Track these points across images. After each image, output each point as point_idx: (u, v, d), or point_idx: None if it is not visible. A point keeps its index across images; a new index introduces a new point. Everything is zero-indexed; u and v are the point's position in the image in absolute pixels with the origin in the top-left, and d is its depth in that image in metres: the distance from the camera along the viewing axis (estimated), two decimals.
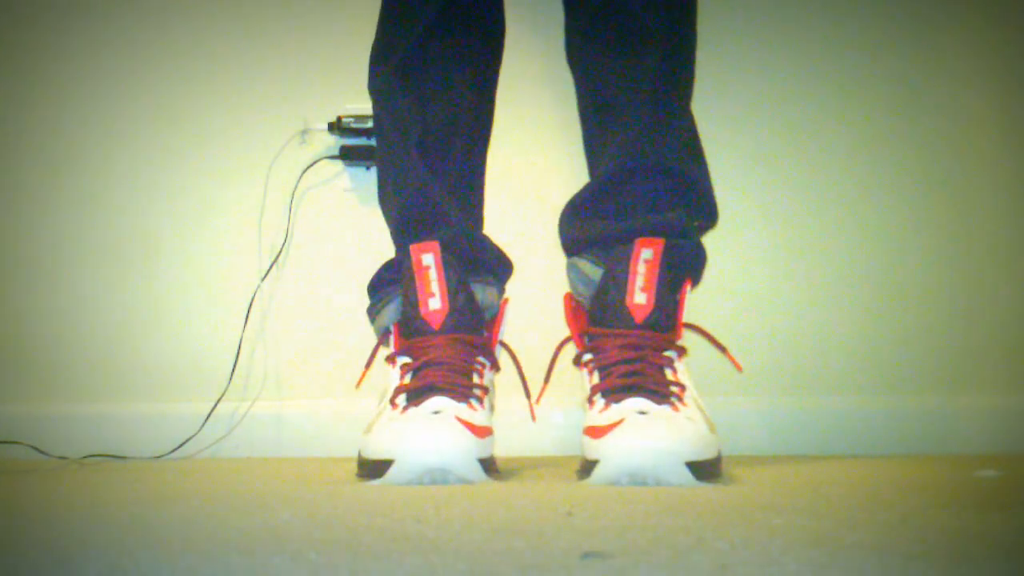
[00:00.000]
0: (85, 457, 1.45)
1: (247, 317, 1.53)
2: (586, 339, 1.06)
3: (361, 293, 1.22)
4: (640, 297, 1.03)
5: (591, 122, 1.16)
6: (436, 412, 1.00)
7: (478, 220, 1.23)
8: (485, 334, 1.13)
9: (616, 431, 0.92)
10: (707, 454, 0.95)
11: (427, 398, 1.02)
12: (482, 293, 1.14)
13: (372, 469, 0.99)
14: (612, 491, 0.86)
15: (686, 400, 1.00)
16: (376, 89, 1.20)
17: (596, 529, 0.61)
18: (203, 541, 0.59)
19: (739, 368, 1.09)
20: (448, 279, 1.08)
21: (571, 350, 1.11)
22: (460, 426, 0.97)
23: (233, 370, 1.51)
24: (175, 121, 1.61)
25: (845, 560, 0.50)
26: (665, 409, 0.97)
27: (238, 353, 1.52)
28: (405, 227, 1.16)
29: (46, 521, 0.72)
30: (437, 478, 0.94)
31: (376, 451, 0.99)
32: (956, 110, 1.50)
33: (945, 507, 0.74)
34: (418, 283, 1.08)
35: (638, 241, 1.04)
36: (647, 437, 0.91)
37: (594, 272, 1.09)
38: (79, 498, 0.93)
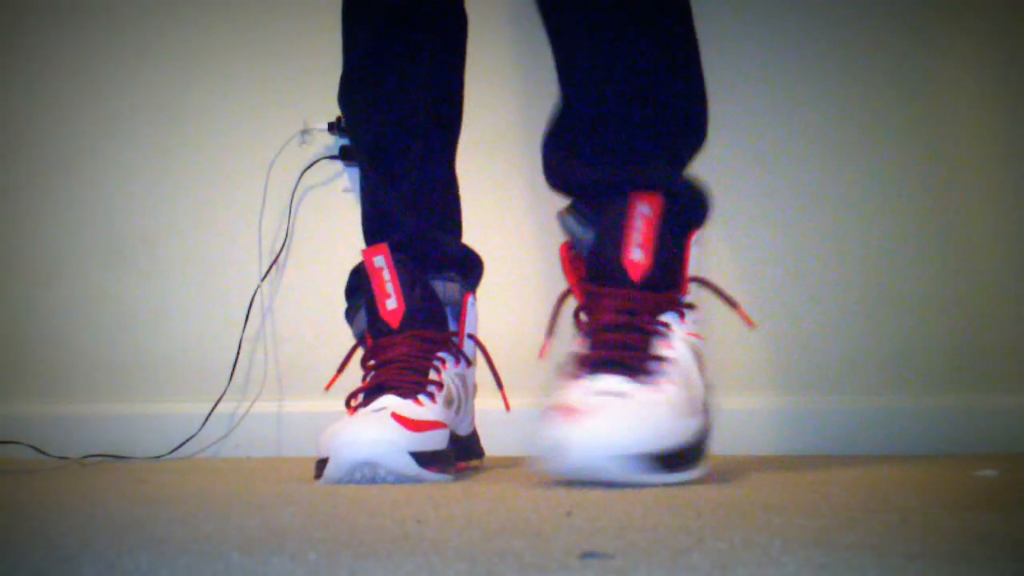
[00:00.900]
0: (85, 457, 1.45)
1: (247, 317, 1.53)
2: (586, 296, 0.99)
3: None
4: (637, 254, 0.94)
5: (561, 33, 1.02)
6: (379, 409, 1.00)
7: (442, 221, 1.20)
8: (451, 329, 1.13)
9: (571, 421, 0.86)
10: (669, 442, 0.88)
11: (377, 397, 1.03)
12: (442, 289, 1.14)
13: (318, 468, 1.00)
14: (612, 491, 0.86)
15: (671, 374, 0.92)
16: (337, 100, 1.22)
17: (596, 529, 0.61)
18: (203, 541, 0.59)
19: (750, 323, 1.01)
20: (401, 278, 1.09)
21: (572, 302, 1.03)
22: (391, 421, 0.98)
23: (233, 370, 1.51)
24: (175, 121, 1.61)
25: (845, 560, 0.50)
26: (638, 391, 0.88)
27: (238, 353, 1.52)
28: (364, 234, 1.18)
29: (46, 521, 0.72)
30: (367, 472, 0.96)
31: (321, 451, 1.01)
32: (958, 110, 1.50)
33: (945, 507, 0.74)
34: (374, 286, 1.10)
35: (632, 194, 0.95)
36: (589, 430, 0.85)
37: (584, 234, 1.00)
38: (79, 498, 0.93)
